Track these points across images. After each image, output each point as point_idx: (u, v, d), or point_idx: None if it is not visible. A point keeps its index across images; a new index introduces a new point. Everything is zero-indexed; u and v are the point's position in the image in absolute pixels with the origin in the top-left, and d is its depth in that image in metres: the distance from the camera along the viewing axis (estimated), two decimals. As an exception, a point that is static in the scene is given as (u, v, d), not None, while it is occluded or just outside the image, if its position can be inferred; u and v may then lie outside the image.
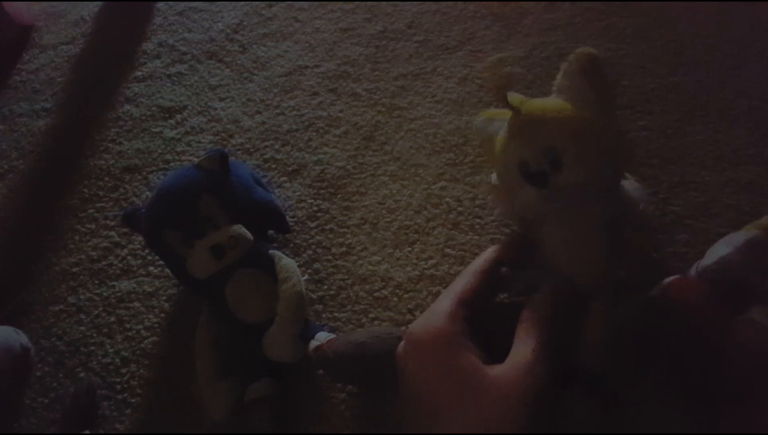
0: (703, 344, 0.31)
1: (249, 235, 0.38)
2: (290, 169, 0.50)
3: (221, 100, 0.57)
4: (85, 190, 0.53)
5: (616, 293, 0.30)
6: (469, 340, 0.26)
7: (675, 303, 0.33)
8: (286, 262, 0.39)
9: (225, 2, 0.66)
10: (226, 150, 0.47)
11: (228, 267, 0.37)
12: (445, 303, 0.28)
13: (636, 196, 0.35)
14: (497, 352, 0.26)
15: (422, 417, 0.25)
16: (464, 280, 0.29)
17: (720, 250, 0.35)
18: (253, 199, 0.41)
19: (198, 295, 0.42)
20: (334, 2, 0.61)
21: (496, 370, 0.25)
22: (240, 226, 0.38)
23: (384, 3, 0.59)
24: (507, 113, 0.31)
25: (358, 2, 0.60)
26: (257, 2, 0.65)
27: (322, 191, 0.48)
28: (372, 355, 0.32)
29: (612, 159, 0.29)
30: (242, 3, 0.65)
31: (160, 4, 0.69)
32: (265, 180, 0.49)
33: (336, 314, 0.41)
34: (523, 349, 0.26)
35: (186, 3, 0.68)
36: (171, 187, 0.39)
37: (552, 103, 0.30)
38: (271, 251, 0.40)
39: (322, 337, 0.36)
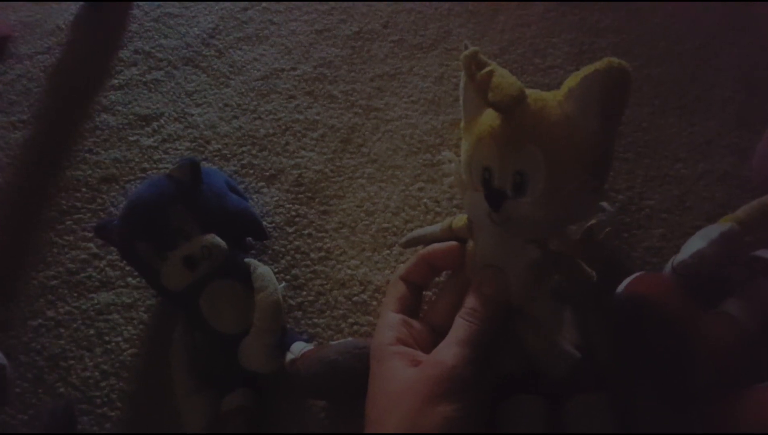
0: (673, 339, 0.31)
1: (223, 244, 0.38)
2: (268, 174, 0.49)
3: (198, 106, 0.56)
4: (63, 202, 0.53)
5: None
6: (408, 339, 0.29)
7: (640, 300, 0.32)
8: (262, 270, 0.39)
9: (201, 7, 0.66)
10: (198, 158, 0.47)
11: (202, 278, 0.37)
12: (381, 315, 0.31)
13: (603, 220, 0.35)
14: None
15: (369, 425, 0.26)
16: (393, 288, 0.32)
17: (695, 243, 0.35)
18: (226, 208, 0.40)
19: (173, 306, 0.41)
20: (310, 3, 0.61)
21: (410, 372, 0.26)
22: (213, 235, 0.38)
23: (359, 3, 0.59)
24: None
25: (333, 3, 0.60)
26: (233, 6, 0.64)
27: (300, 196, 0.47)
28: (344, 373, 0.32)
29: (576, 208, 0.26)
30: (218, 7, 0.65)
31: (135, 11, 0.68)
32: (242, 186, 0.48)
33: (315, 320, 0.41)
34: (441, 348, 0.26)
35: (162, 9, 0.67)
36: (141, 199, 0.38)
37: (550, 113, 0.25)
38: (247, 260, 0.40)
39: (297, 348, 0.36)
